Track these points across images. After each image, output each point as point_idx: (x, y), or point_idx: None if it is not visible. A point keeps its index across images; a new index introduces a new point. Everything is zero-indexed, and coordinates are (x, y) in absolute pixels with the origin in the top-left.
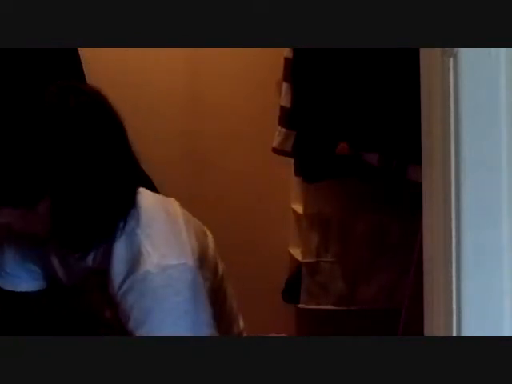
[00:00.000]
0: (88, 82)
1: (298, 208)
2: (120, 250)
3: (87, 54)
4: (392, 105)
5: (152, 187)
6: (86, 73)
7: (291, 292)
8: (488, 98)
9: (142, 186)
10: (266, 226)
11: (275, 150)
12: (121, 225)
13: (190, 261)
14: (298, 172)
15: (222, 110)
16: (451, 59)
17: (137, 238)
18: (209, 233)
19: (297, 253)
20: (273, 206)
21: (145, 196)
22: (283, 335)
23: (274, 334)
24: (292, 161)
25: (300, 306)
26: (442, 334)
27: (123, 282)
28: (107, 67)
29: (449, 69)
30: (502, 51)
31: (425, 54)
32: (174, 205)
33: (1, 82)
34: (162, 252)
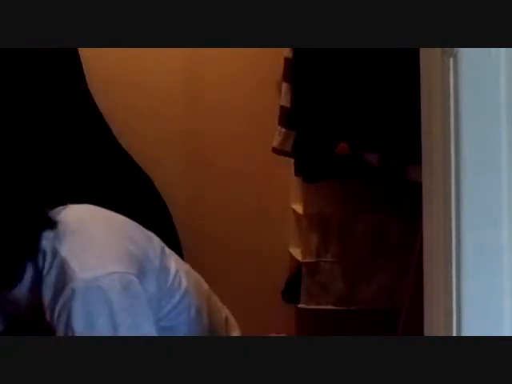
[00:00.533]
0: (88, 82)
1: (298, 208)
2: (47, 275)
3: (87, 54)
4: (392, 105)
5: (152, 187)
6: (85, 73)
7: (291, 292)
8: (488, 98)
9: (140, 187)
10: (266, 226)
11: (275, 150)
12: (20, 272)
13: (121, 268)
14: (298, 172)
15: (221, 109)
16: (451, 59)
17: (60, 257)
18: (159, 242)
19: (297, 253)
20: (273, 206)
21: (71, 211)
22: (283, 335)
23: (274, 334)
24: (292, 161)
25: (300, 306)
26: (442, 334)
27: (54, 305)
28: (107, 67)
29: (449, 69)
30: (502, 51)
31: (425, 54)
32: (106, 213)
33: None
34: (86, 265)
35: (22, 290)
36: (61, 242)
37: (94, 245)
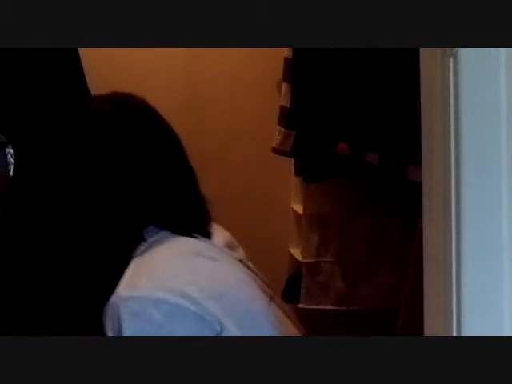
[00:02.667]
0: (88, 82)
1: (298, 208)
2: None
3: (87, 54)
4: (392, 105)
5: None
6: (85, 73)
7: (291, 292)
8: (488, 98)
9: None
10: (266, 226)
11: (275, 150)
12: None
13: (170, 297)
14: (298, 172)
15: (221, 109)
16: (451, 59)
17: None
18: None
19: (297, 253)
20: (273, 206)
21: (175, 238)
22: None
23: None
24: (292, 161)
25: (300, 306)
26: (441, 334)
27: None
28: (107, 67)
29: (449, 69)
30: (502, 51)
31: (425, 54)
32: (204, 246)
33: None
34: (132, 282)
35: None
36: (140, 257)
37: (158, 270)
